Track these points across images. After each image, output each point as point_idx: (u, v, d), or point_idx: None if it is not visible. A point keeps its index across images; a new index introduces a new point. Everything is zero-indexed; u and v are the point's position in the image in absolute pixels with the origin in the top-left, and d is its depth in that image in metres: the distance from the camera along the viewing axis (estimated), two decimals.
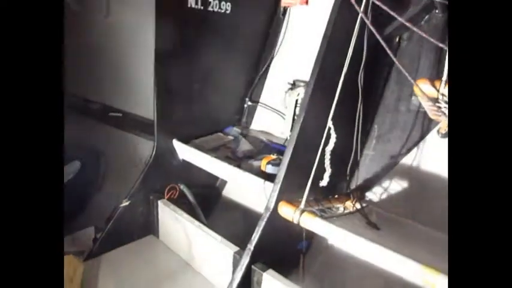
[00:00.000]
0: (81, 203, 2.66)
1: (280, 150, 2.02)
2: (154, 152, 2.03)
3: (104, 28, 2.55)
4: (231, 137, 2.23)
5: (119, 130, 2.69)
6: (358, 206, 1.84)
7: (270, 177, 1.73)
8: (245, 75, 2.35)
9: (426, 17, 1.92)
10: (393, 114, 1.99)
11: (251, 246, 1.60)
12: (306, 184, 1.74)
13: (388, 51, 1.28)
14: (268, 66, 2.34)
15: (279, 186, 1.59)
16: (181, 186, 2.12)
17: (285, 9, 1.82)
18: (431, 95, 1.28)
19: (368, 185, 1.99)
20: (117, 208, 2.00)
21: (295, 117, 1.84)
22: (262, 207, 2.22)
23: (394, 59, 1.29)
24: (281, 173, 1.60)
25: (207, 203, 2.27)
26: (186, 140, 2.12)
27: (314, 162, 1.76)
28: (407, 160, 1.93)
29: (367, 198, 1.96)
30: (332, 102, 1.68)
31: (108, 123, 2.73)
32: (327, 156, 1.47)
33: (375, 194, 1.97)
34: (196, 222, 1.87)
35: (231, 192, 2.44)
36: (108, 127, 2.73)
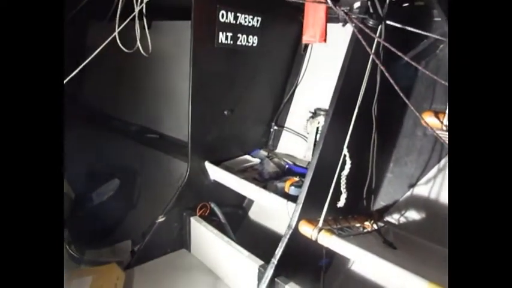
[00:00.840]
0: (119, 218, 2.90)
1: (302, 172, 2.18)
2: (188, 173, 2.23)
3: (146, 59, 2.82)
4: (257, 160, 2.41)
5: (155, 151, 2.93)
6: (375, 226, 1.96)
7: (292, 198, 1.88)
8: (271, 102, 2.54)
9: (441, 46, 2.05)
10: (410, 139, 2.10)
11: (275, 261, 1.75)
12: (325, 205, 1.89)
13: (398, 91, 1.41)
14: (293, 93, 2.52)
15: (300, 206, 1.74)
16: (212, 205, 2.31)
17: (306, 46, 2.00)
18: (435, 126, 1.40)
19: (386, 205, 2.10)
20: (154, 223, 2.20)
21: (316, 143, 2.00)
22: (284, 226, 2.39)
23: (404, 98, 1.42)
24: (302, 194, 1.75)
25: (234, 220, 2.44)
26: (217, 162, 2.31)
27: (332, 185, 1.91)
28: (424, 182, 2.04)
29: (385, 219, 2.08)
30: (348, 131, 1.83)
31: (145, 144, 2.98)
32: (343, 180, 1.61)
33: (392, 215, 2.08)
34: (226, 238, 2.04)
35: (257, 211, 2.60)
36: (145, 148, 2.97)
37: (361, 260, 1.54)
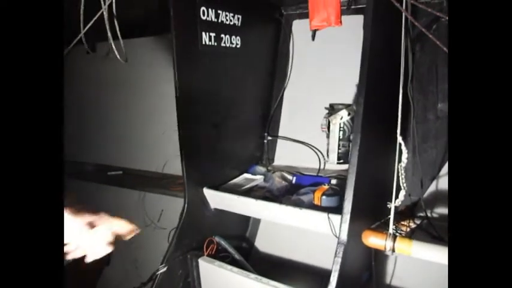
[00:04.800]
0: (93, 281, 2.33)
1: (318, 181, 1.91)
2: (186, 205, 1.83)
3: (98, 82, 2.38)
4: (259, 176, 2.08)
5: (122, 189, 2.44)
6: (414, 223, 1.75)
7: (327, 210, 1.60)
8: (260, 109, 2.24)
9: (434, 26, 1.96)
10: (423, 124, 1.97)
11: None
12: (371, 209, 1.64)
13: (437, 42, 1.25)
14: (282, 98, 2.26)
15: (348, 216, 1.47)
16: (217, 239, 1.92)
17: (315, 33, 1.76)
18: None
19: (415, 198, 1.92)
20: (154, 276, 1.74)
21: (340, 142, 1.75)
22: (301, 249, 2.09)
23: (439, 43, 1.24)
24: (348, 202, 1.47)
25: (241, 255, 2.06)
26: (215, 187, 1.94)
27: (379, 183, 1.68)
28: (447, 167, 1.91)
29: (418, 214, 1.89)
30: (385, 118, 1.62)
31: (107, 183, 2.47)
32: (402, 174, 1.38)
33: (424, 207, 1.90)
34: (253, 275, 1.67)
35: (264, 240, 2.26)
36: (109, 188, 2.47)
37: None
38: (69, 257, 0.99)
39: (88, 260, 1.04)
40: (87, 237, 1.03)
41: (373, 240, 1.35)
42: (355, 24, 1.99)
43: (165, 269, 1.76)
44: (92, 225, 1.05)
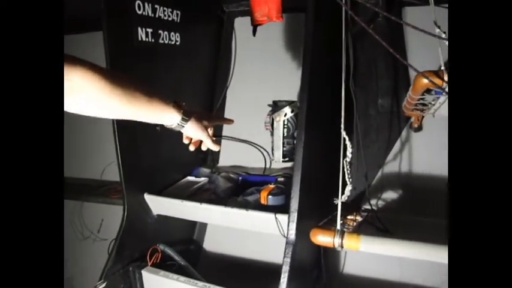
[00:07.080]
0: None
1: (264, 181, 1.87)
2: (126, 213, 1.70)
3: None
4: (203, 179, 2.00)
5: None
6: (360, 217, 1.78)
7: (275, 210, 1.56)
8: (202, 109, 2.16)
9: (371, 26, 2.01)
10: (365, 120, 2.00)
11: None
12: (319, 206, 1.63)
13: (376, 37, 1.26)
14: (224, 97, 2.20)
15: (295, 215, 1.44)
16: (161, 247, 1.81)
17: (255, 28, 1.71)
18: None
19: (360, 193, 1.95)
20: None
21: (285, 139, 1.72)
22: (251, 248, 2.05)
23: (399, 58, 1.27)
24: (294, 200, 1.45)
25: (188, 260, 1.97)
26: (156, 193, 1.83)
27: (326, 180, 1.67)
28: (389, 159, 1.96)
29: (363, 207, 1.92)
30: (329, 114, 1.62)
31: None
32: (347, 169, 1.38)
33: (370, 201, 1.94)
34: (200, 283, 1.59)
35: (212, 241, 2.18)
36: None
37: (396, 253, 1.30)
38: None
39: None
40: None
41: (321, 238, 1.34)
42: (296, 22, 2.00)
43: (104, 285, 1.62)
44: None
